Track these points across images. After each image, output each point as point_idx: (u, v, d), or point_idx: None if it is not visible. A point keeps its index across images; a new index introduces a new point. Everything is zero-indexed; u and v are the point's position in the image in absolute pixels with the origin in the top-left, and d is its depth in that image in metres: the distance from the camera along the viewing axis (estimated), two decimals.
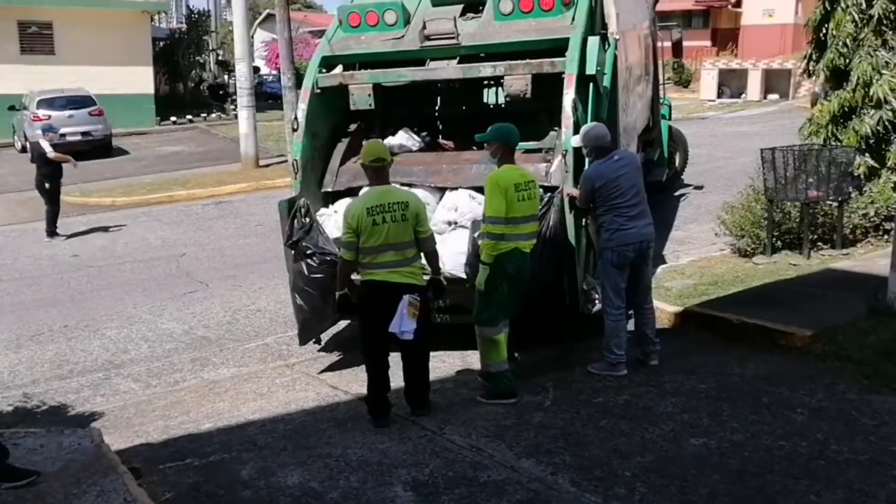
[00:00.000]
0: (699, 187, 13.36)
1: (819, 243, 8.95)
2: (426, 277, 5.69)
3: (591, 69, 6.95)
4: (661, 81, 12.34)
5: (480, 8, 7.53)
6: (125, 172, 19.20)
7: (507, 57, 7.15)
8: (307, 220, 6.91)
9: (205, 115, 31.13)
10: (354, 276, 5.77)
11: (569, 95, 6.63)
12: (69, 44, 26.94)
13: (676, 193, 13.07)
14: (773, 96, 28.66)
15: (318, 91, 7.49)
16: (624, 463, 4.68)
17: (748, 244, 9.09)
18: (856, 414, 5.14)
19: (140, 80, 28.08)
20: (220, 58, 41.70)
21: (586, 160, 6.40)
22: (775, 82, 29.12)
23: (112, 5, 27.63)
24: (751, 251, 9.03)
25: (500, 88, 7.75)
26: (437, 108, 8.26)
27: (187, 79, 35.81)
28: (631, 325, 6.42)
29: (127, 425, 6.25)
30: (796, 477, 4.38)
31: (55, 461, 4.87)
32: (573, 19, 7.07)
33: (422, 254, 5.63)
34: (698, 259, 9.27)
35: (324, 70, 7.60)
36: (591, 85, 7.00)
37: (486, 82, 8.02)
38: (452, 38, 7.23)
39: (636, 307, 6.38)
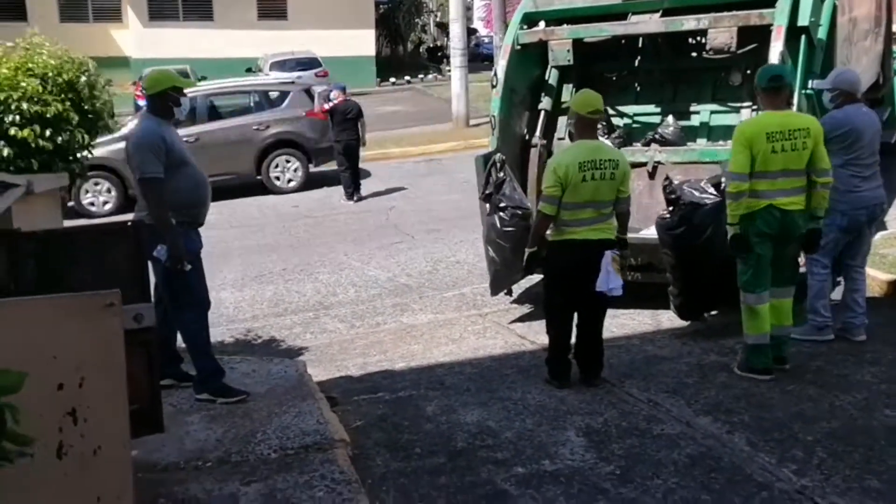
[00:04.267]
0: None
1: None
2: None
3: (803, 21, 6.56)
4: (893, 33, 11.34)
5: None
6: None
7: (712, 10, 6.91)
8: (502, 174, 7.08)
9: (422, 76, 32.14)
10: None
11: (776, 48, 6.32)
12: (300, 8, 28.71)
13: None
14: None
15: (519, 48, 7.59)
16: (806, 427, 4.51)
17: None
18: None
19: (362, 42, 29.47)
20: (438, 20, 42.70)
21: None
22: None
23: None
24: None
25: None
26: (637, 65, 8.11)
27: (407, 41, 37.01)
28: (837, 294, 6.09)
29: (330, 360, 6.76)
30: None
31: (263, 385, 5.41)
32: None
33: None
34: None
35: (525, 27, 7.68)
36: (802, 37, 6.64)
37: (690, 38, 7.77)
38: None
39: (849, 270, 5.97)
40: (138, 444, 4.16)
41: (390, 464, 4.47)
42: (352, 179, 13.30)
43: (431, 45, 40.83)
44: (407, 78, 31.22)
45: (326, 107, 13.57)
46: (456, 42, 19.33)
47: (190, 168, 5.06)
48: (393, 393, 5.69)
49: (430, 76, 32.24)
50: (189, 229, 5.01)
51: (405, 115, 23.55)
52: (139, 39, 28.27)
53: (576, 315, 5.53)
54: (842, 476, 3.97)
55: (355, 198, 13.25)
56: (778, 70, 5.42)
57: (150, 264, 4.74)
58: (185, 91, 5.17)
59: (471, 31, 42.22)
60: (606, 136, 7.41)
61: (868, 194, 5.71)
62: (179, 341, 5.34)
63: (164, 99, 5.00)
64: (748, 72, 7.30)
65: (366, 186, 14.30)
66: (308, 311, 8.19)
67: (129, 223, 4.01)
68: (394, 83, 30.56)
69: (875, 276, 6.93)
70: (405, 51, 37.69)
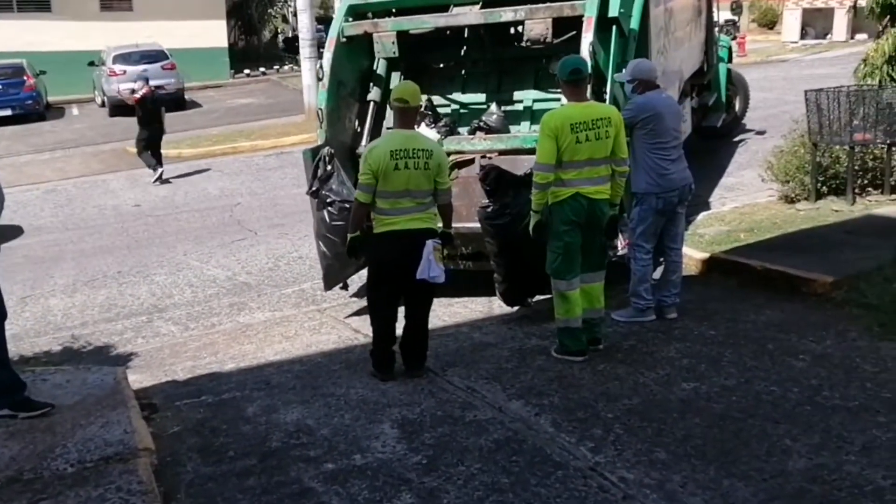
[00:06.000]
0: (761, 132, 12.91)
1: (869, 189, 8.65)
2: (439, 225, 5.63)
3: (613, 12, 6.80)
4: (717, 22, 11.90)
5: None
6: (195, 125, 19.69)
7: (528, 1, 7.07)
8: (330, 168, 7.03)
9: (277, 67, 31.59)
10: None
11: (586, 39, 6.52)
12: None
13: (736, 139, 12.69)
14: (861, 36, 27.29)
15: (345, 40, 7.55)
16: (609, 405, 4.70)
17: (794, 190, 8.82)
18: (859, 360, 5.01)
19: (214, 33, 28.67)
20: (294, 10, 42.04)
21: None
22: (865, 21, 27.68)
23: None
24: (796, 197, 8.77)
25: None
26: (463, 54, 8.22)
27: (262, 31, 36.28)
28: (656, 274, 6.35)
29: (159, 365, 6.56)
30: (777, 421, 4.32)
31: (75, 395, 5.18)
32: None
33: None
34: (742, 206, 9.04)
35: (350, 19, 7.65)
36: (613, 28, 6.87)
37: (511, 29, 7.93)
38: None
39: (669, 253, 6.21)
40: None
41: (200, 469, 4.38)
42: (156, 161, 14.28)
43: (290, 35, 40.12)
44: (262, 69, 30.61)
45: (137, 97, 14.58)
46: (305, 33, 19.02)
47: None
48: (216, 396, 5.58)
49: (286, 67, 31.69)
50: None
51: (258, 107, 23.08)
52: None
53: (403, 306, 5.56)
54: (633, 451, 4.16)
55: (159, 180, 14.18)
56: (577, 63, 5.54)
57: None
58: None
59: (329, 21, 41.80)
60: (433, 125, 7.48)
61: (677, 176, 5.98)
62: None
63: None
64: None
65: (212, 183, 13.99)
66: (141, 315, 7.92)
67: None
68: (248, 75, 29.91)
69: (691, 255, 7.27)
70: (261, 42, 36.93)
